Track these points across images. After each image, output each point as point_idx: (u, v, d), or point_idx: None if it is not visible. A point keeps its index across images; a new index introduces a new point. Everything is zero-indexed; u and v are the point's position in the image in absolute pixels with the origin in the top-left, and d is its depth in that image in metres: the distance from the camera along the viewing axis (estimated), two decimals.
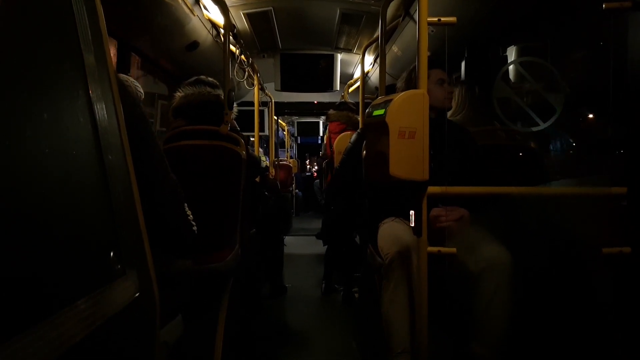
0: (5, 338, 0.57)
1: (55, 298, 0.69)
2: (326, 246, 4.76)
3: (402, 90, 2.02)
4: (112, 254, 0.87)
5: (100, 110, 0.90)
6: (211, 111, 2.60)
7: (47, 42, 0.77)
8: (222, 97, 2.63)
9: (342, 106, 4.70)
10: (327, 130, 4.96)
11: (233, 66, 4.05)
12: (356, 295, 4.39)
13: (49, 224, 0.70)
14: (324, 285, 4.58)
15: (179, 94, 2.62)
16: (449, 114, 2.91)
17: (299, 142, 15.12)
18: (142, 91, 2.68)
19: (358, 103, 4.82)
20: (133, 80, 2.68)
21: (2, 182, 0.61)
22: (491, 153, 2.75)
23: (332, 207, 4.32)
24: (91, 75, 0.89)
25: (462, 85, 2.99)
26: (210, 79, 2.71)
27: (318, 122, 11.03)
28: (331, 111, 4.74)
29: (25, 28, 0.71)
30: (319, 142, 12.72)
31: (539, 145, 2.94)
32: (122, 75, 2.78)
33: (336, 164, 3.84)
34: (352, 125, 4.53)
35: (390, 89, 2.89)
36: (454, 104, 2.96)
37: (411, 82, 2.49)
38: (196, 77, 2.69)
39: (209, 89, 2.62)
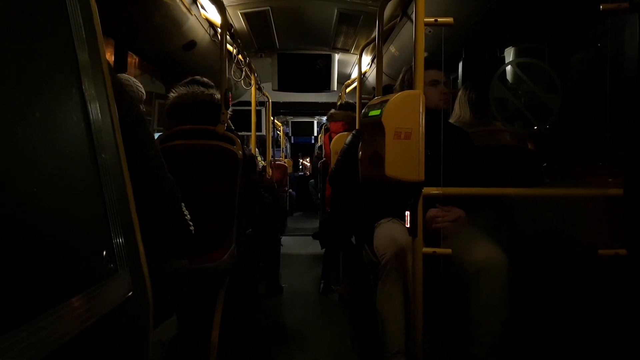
0: None
1: (47, 296, 0.69)
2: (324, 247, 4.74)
3: (398, 92, 2.02)
4: (104, 252, 0.87)
5: (94, 108, 0.90)
6: (204, 111, 2.59)
7: (40, 40, 0.76)
8: (216, 97, 2.63)
9: (346, 107, 4.68)
10: (328, 129, 4.92)
11: (230, 66, 4.05)
12: (335, 288, 4.41)
13: (40, 222, 0.70)
14: (322, 284, 4.57)
15: (172, 95, 2.62)
16: (452, 119, 2.91)
17: (292, 141, 15.15)
18: (143, 91, 2.68)
19: (337, 103, 4.85)
20: (134, 80, 2.68)
21: None
22: (488, 154, 2.75)
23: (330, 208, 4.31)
24: (85, 73, 0.88)
25: (463, 90, 2.99)
26: (204, 79, 2.71)
27: (312, 122, 11.08)
28: (335, 111, 4.71)
29: (18, 26, 0.70)
30: (312, 141, 12.74)
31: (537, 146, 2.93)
32: (124, 75, 2.78)
33: (332, 164, 3.83)
34: (354, 127, 4.52)
35: (387, 89, 2.89)
36: (457, 109, 2.96)
37: (404, 84, 2.48)
38: (191, 77, 2.69)
39: (202, 88, 2.62)
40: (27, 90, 0.70)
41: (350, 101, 4.86)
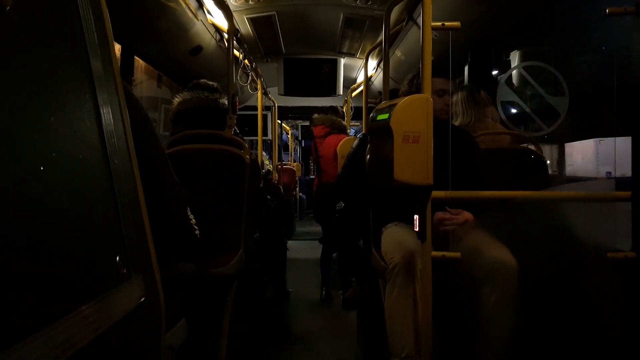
0: (11, 342, 0.57)
1: (62, 302, 0.69)
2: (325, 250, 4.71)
3: (406, 95, 2.02)
4: (118, 257, 0.87)
5: (107, 114, 0.91)
6: (209, 115, 2.58)
7: (54, 47, 0.77)
8: (222, 101, 2.62)
9: (329, 110, 4.74)
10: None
11: (237, 70, 4.05)
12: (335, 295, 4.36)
13: (55, 228, 0.70)
14: (323, 292, 4.53)
15: (176, 100, 2.61)
16: (456, 123, 2.90)
17: (302, 145, 15.13)
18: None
19: (343, 107, 4.88)
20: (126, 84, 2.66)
21: (8, 186, 0.61)
22: (495, 157, 2.75)
23: (337, 213, 4.30)
24: (98, 79, 0.89)
25: (462, 91, 2.98)
26: (210, 82, 2.69)
27: None
28: (315, 115, 4.80)
29: (33, 32, 0.71)
30: None
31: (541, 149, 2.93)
32: None
33: (339, 168, 3.84)
34: (336, 129, 4.60)
35: (394, 94, 2.88)
36: (459, 112, 2.95)
37: (412, 87, 2.48)
38: (195, 82, 2.67)
39: (206, 93, 2.60)
40: (42, 96, 0.71)
41: (333, 104, 4.91)
